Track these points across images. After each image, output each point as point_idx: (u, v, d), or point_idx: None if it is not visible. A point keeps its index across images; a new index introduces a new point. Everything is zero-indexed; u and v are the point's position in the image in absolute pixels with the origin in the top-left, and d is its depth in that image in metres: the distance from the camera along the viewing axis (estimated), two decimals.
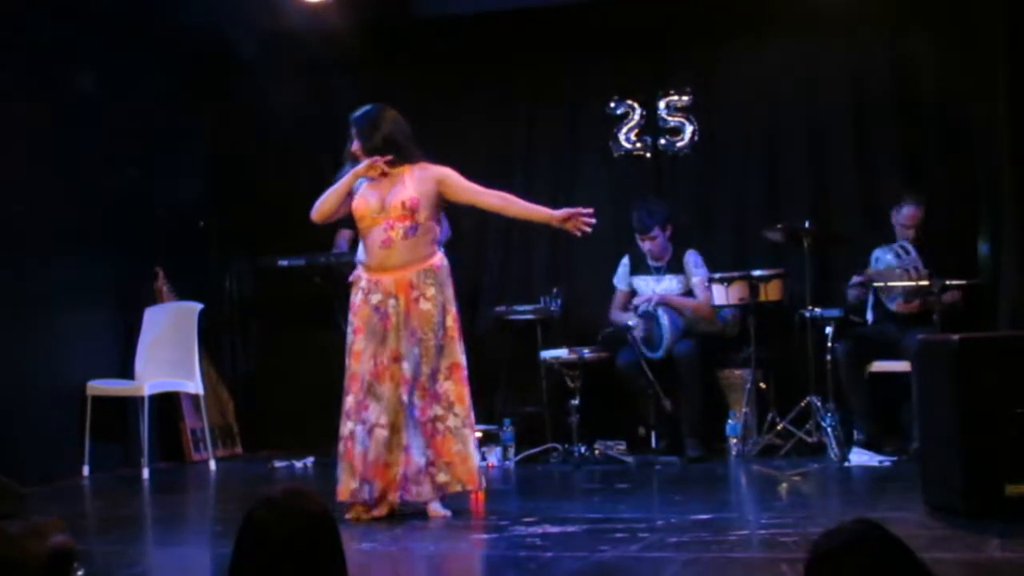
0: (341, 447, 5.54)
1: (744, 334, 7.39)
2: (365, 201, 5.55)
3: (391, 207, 5.50)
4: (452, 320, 5.58)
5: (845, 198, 7.86)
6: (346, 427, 5.51)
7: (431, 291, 5.51)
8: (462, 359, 5.61)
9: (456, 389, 5.57)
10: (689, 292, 7.59)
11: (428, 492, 5.50)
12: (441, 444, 5.54)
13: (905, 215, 7.21)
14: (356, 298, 5.57)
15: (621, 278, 7.79)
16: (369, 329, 5.49)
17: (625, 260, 7.77)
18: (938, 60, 7.68)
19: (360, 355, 5.50)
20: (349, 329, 5.60)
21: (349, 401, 5.52)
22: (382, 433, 5.43)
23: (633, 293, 7.74)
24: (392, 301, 5.48)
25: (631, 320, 7.45)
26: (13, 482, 5.76)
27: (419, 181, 5.56)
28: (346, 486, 5.48)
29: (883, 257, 7.05)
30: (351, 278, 5.68)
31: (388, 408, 5.44)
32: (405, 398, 5.45)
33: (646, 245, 7.61)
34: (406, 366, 5.45)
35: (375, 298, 5.50)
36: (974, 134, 7.48)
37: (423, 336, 5.48)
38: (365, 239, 5.59)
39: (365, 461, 5.44)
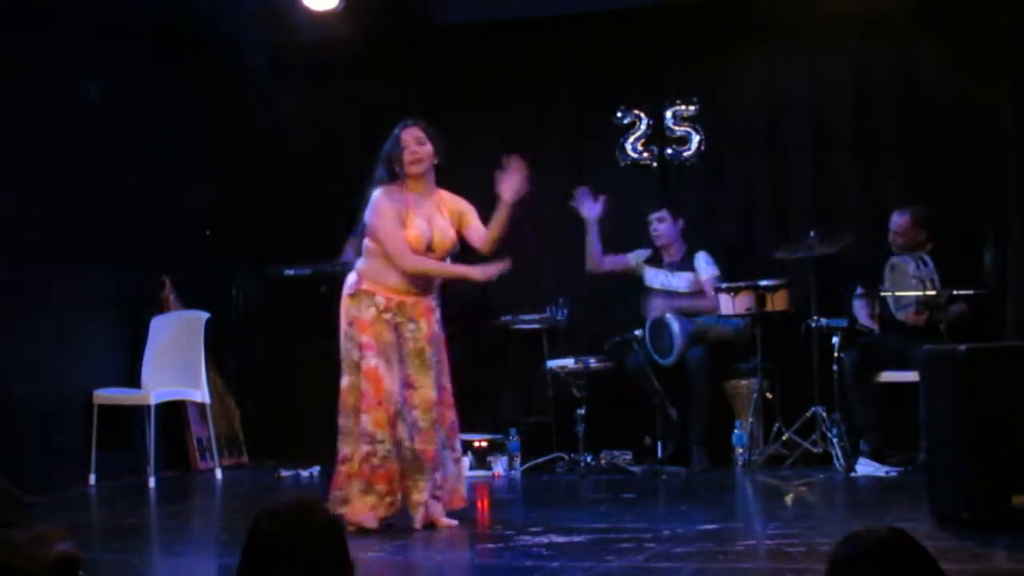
0: (364, 468, 5.35)
1: (750, 344, 7.39)
2: (421, 234, 5.43)
3: (439, 245, 5.48)
4: (444, 340, 5.65)
5: (851, 207, 7.86)
6: (366, 448, 5.34)
7: (438, 312, 5.58)
8: (449, 380, 5.66)
9: (442, 410, 5.59)
10: (700, 292, 7.60)
11: (436, 509, 5.51)
12: None
13: (893, 223, 7.20)
14: (367, 314, 5.43)
15: (636, 254, 7.78)
16: (387, 348, 5.41)
17: (643, 249, 7.78)
18: (943, 68, 7.67)
19: (379, 374, 5.38)
20: (354, 345, 5.44)
21: (369, 421, 5.36)
22: (409, 453, 5.39)
23: (635, 273, 7.75)
24: (412, 325, 5.45)
25: (636, 331, 7.45)
26: (18, 490, 5.78)
27: (450, 215, 5.56)
28: (366, 507, 5.34)
29: (900, 264, 7.02)
30: (352, 290, 5.52)
31: (415, 429, 5.42)
32: (429, 419, 5.45)
33: (653, 227, 7.61)
34: (429, 390, 5.45)
35: (397, 319, 5.44)
36: (980, 143, 7.47)
37: (440, 358, 5.54)
38: (411, 252, 5.43)
39: (400, 477, 5.39)
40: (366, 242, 5.53)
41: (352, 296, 5.51)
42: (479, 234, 5.61)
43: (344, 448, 5.45)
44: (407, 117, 5.63)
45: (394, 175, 5.52)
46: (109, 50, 7.67)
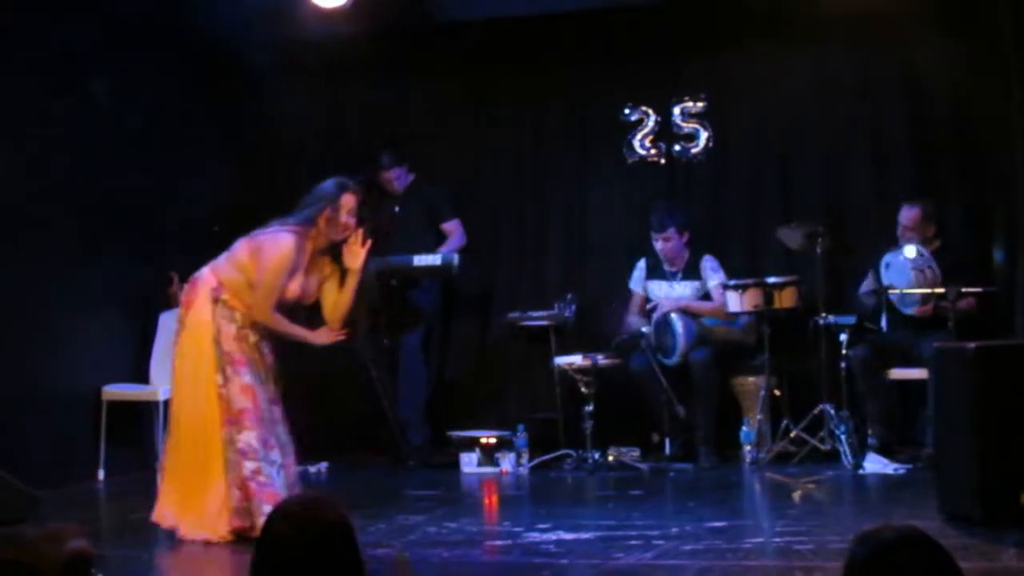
0: (252, 486, 5.31)
1: (758, 341, 7.38)
2: (299, 290, 5.54)
3: (305, 300, 5.63)
4: None
5: (859, 204, 7.85)
6: (250, 466, 5.33)
7: None
8: None
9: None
10: (705, 297, 7.59)
11: None
12: None
13: (902, 216, 7.19)
14: (229, 328, 5.43)
15: (636, 281, 7.78)
16: (256, 365, 5.49)
17: (641, 263, 7.76)
18: (951, 64, 7.65)
19: (253, 392, 5.43)
20: (222, 353, 5.40)
21: (250, 438, 5.36)
22: (288, 472, 5.50)
23: (648, 297, 7.73)
24: (265, 343, 5.56)
25: (644, 327, 7.43)
26: (25, 485, 5.78)
27: (322, 278, 5.66)
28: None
29: (894, 261, 7.01)
30: (216, 296, 5.46)
31: (285, 446, 5.52)
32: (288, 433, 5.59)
33: (659, 245, 7.58)
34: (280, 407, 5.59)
35: (253, 337, 5.49)
36: (988, 140, 7.46)
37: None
38: (275, 304, 5.48)
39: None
40: (244, 256, 5.51)
41: (216, 303, 5.47)
42: (329, 303, 5.69)
43: (242, 466, 5.39)
44: (350, 177, 5.72)
45: (312, 224, 5.54)
46: (116, 48, 7.66)
